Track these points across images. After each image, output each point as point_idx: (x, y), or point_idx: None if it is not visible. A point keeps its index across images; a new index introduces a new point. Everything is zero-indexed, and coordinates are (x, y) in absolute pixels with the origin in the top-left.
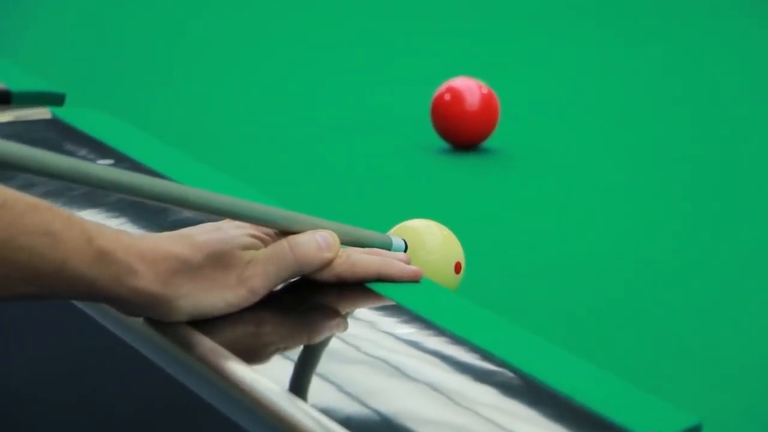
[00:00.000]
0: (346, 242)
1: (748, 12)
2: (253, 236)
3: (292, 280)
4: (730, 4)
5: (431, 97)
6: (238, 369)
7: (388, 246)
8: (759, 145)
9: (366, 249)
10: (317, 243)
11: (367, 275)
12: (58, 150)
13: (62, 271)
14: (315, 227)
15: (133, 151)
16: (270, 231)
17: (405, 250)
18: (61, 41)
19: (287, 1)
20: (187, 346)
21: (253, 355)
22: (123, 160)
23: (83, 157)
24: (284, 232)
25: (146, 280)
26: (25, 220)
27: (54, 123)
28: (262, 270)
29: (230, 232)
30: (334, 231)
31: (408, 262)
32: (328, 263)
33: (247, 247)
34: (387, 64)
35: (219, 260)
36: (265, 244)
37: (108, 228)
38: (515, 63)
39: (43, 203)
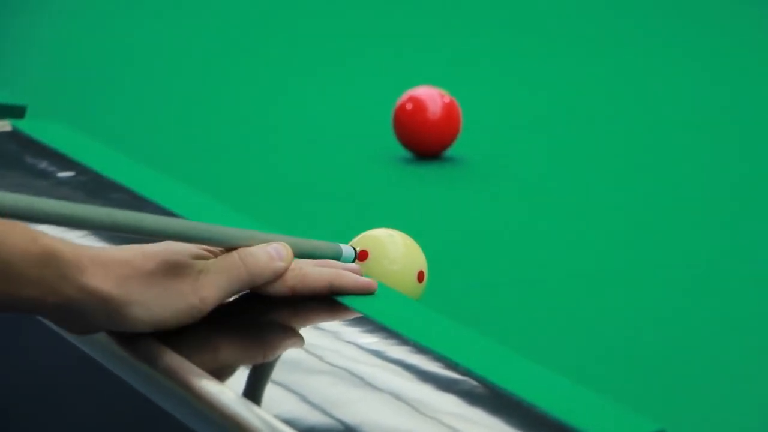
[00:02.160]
0: (296, 254)
1: (719, 23)
2: (203, 248)
3: (247, 292)
4: (699, 14)
5: (393, 106)
6: (202, 381)
7: (337, 254)
8: (726, 153)
9: (318, 261)
10: (268, 254)
11: (319, 287)
12: (19, 163)
13: (7, 274)
14: (262, 241)
15: (94, 163)
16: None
17: (354, 259)
18: (23, 53)
19: (247, 12)
20: (151, 360)
21: (217, 367)
22: (84, 173)
23: (44, 170)
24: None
25: (97, 279)
26: None
27: (14, 135)
28: (214, 281)
29: (181, 242)
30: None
31: (360, 273)
32: (280, 273)
33: (198, 257)
34: (348, 73)
35: (171, 268)
36: (215, 256)
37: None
38: (477, 72)
39: None
